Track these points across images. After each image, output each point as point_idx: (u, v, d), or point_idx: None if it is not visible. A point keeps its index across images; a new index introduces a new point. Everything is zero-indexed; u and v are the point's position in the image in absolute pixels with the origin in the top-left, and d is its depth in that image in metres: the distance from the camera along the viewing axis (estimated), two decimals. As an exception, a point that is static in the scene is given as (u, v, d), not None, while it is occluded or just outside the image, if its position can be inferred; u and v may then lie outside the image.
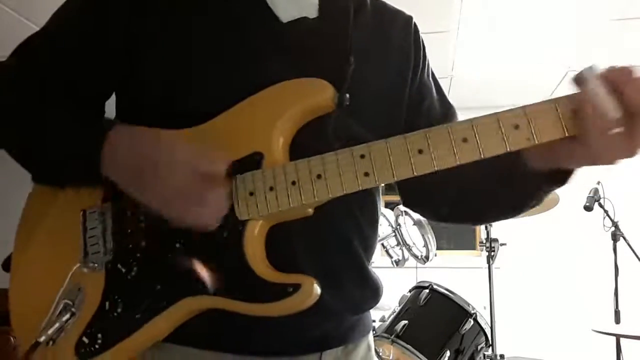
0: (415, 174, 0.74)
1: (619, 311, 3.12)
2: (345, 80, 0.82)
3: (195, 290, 0.77)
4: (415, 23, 1.02)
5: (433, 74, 1.05)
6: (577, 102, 0.70)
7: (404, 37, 1.00)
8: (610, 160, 0.73)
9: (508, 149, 0.72)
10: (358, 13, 0.93)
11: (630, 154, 0.71)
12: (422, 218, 3.04)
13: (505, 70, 4.06)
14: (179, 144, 0.74)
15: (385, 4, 1.02)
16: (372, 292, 0.93)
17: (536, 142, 0.72)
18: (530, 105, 0.73)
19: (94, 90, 0.88)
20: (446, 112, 1.01)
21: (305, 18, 0.88)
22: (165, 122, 0.81)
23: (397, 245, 2.96)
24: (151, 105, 0.84)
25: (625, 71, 0.69)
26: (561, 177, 0.81)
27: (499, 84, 4.29)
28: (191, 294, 0.77)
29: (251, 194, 0.76)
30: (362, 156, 0.75)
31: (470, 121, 0.73)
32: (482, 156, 0.72)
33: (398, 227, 2.96)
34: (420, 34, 1.02)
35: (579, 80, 0.70)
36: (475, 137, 0.72)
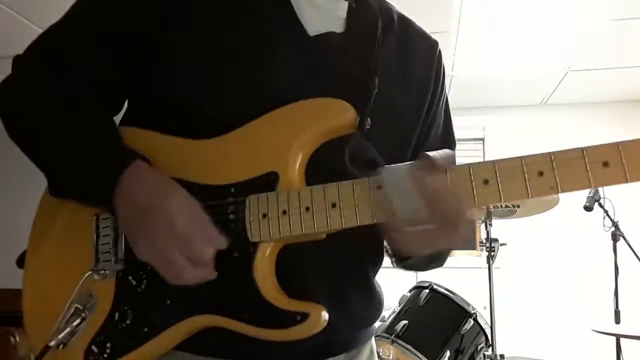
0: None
1: (619, 311, 3.12)
2: (368, 104, 0.81)
3: (203, 309, 0.77)
4: (439, 49, 1.00)
5: (447, 104, 1.03)
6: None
7: (428, 62, 0.98)
8: (412, 252, 0.75)
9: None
10: (385, 31, 0.91)
11: (434, 247, 0.73)
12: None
13: (505, 70, 4.06)
14: (179, 205, 0.73)
15: (411, 22, 0.99)
16: (374, 307, 0.92)
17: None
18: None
19: (110, 88, 0.87)
20: (445, 147, 0.99)
21: (332, 33, 0.86)
22: (186, 128, 0.80)
23: (397, 245, 2.96)
24: (173, 110, 0.83)
25: (427, 171, 0.70)
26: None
27: (499, 84, 4.29)
28: (199, 312, 0.77)
29: (264, 216, 0.75)
30: (379, 187, 0.73)
31: (493, 163, 0.71)
32: (502, 200, 0.71)
33: (398, 227, 2.96)
34: (443, 61, 1.00)
35: (379, 180, 0.72)
36: (497, 179, 0.70)
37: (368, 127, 0.78)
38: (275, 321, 0.74)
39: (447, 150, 0.76)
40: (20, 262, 0.88)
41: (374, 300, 0.92)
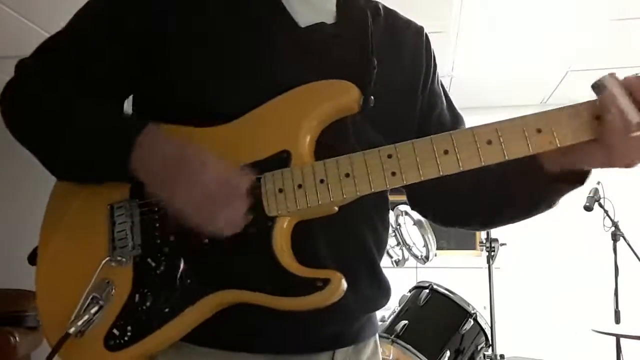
0: (441, 173, 0.76)
1: (619, 311, 3.12)
2: (370, 82, 0.84)
3: (224, 284, 0.78)
4: (426, 33, 1.04)
5: (441, 83, 1.07)
6: (599, 107, 0.75)
7: (417, 45, 1.02)
8: (628, 162, 0.77)
9: (531, 152, 0.76)
10: (373, 20, 0.95)
11: None
12: (422, 218, 3.04)
13: (505, 70, 4.05)
14: (207, 152, 0.76)
15: (397, 13, 1.04)
16: (383, 291, 0.95)
17: (558, 145, 0.76)
18: (552, 110, 0.78)
19: (117, 87, 0.89)
20: (455, 120, 1.04)
21: (323, 23, 0.90)
22: (189, 122, 0.82)
23: (397, 245, 2.97)
24: (175, 105, 0.85)
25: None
26: (575, 178, 0.85)
27: (499, 84, 4.29)
28: (220, 288, 0.78)
29: (280, 190, 0.78)
30: (390, 156, 0.77)
31: (494, 125, 0.77)
32: (506, 158, 0.76)
33: (398, 227, 2.97)
34: (431, 44, 1.04)
35: (598, 87, 0.75)
36: (500, 139, 0.76)
37: (372, 105, 0.81)
38: (298, 289, 0.76)
39: None
40: (32, 258, 0.88)
41: (382, 284, 0.95)
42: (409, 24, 1.04)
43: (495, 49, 3.71)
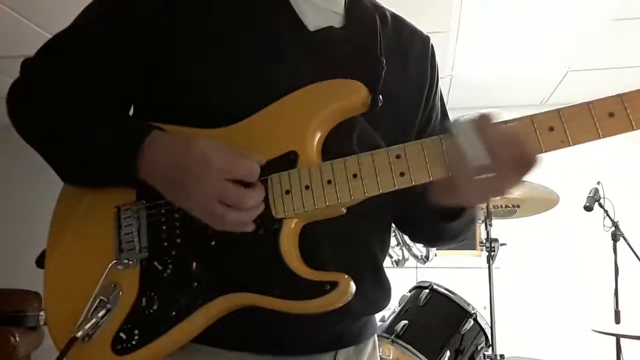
0: (450, 174, 0.76)
1: (619, 311, 3.12)
2: (379, 82, 0.84)
3: (232, 288, 0.78)
4: (432, 44, 1.04)
5: (441, 95, 1.07)
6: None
7: (422, 55, 1.02)
8: (477, 201, 0.81)
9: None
10: (381, 24, 0.95)
11: (498, 194, 0.77)
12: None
13: (505, 70, 4.05)
14: (212, 147, 0.75)
15: (403, 20, 1.04)
16: (385, 292, 0.96)
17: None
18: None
19: (123, 88, 0.89)
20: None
21: (331, 27, 0.90)
22: (196, 123, 0.82)
23: (397, 245, 2.96)
24: (180, 106, 0.85)
25: (488, 120, 0.73)
26: (450, 214, 0.88)
27: (499, 84, 4.29)
28: (228, 291, 0.78)
29: (287, 192, 0.78)
30: (398, 156, 0.77)
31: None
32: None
33: (398, 227, 2.95)
34: (435, 56, 1.04)
35: (452, 128, 0.75)
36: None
37: (380, 104, 0.81)
38: (306, 293, 0.76)
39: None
40: (40, 262, 0.88)
41: (384, 286, 0.95)
42: (415, 32, 1.03)
43: (495, 49, 3.71)
